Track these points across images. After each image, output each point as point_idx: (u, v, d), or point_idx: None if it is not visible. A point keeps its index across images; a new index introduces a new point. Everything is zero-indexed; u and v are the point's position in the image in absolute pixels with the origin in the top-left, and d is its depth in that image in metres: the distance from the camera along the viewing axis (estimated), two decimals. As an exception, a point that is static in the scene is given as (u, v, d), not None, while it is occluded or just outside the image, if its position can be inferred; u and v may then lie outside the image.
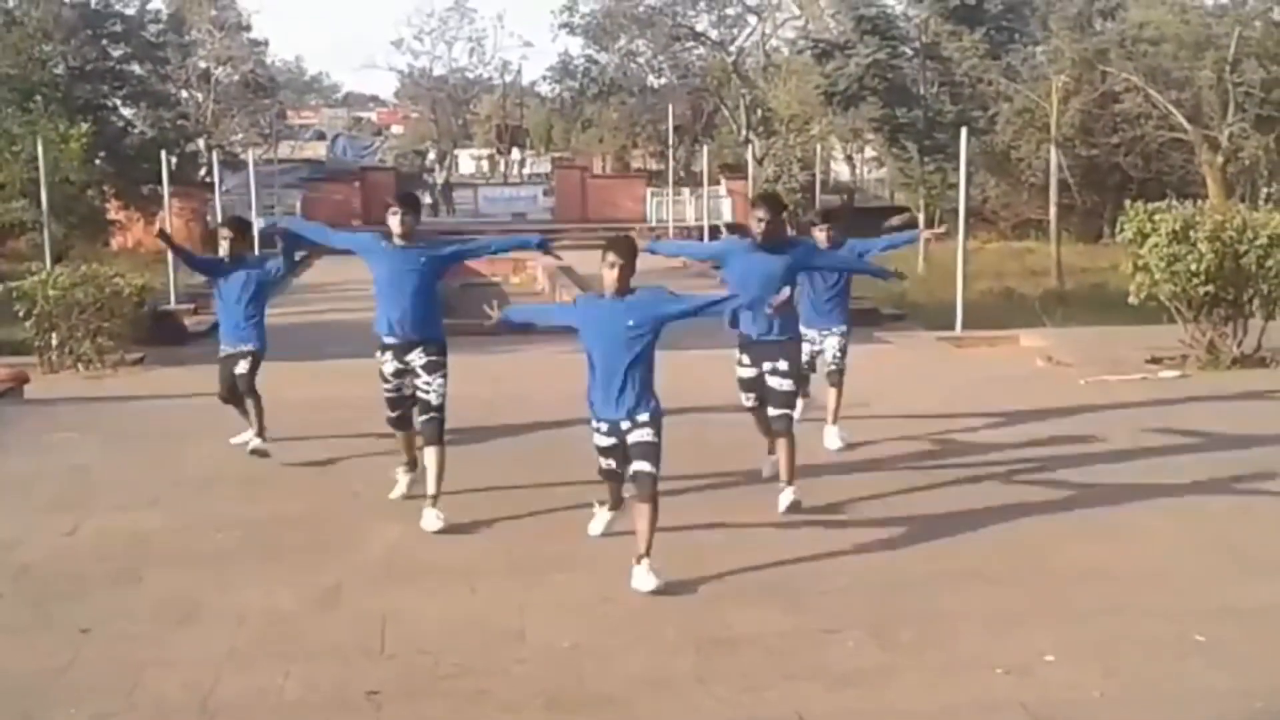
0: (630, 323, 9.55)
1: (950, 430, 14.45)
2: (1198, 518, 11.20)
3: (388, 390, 11.62)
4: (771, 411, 11.54)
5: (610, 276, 9.61)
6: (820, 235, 13.82)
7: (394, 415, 11.75)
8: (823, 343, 13.92)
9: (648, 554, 9.40)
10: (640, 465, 9.58)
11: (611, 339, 9.57)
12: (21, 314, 20.64)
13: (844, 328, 14.07)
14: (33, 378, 19.23)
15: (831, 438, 13.71)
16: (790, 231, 12.41)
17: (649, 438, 9.61)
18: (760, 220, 11.52)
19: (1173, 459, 13.15)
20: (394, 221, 11.49)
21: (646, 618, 8.97)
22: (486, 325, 10.98)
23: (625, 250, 9.65)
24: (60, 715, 7.60)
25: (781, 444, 11.37)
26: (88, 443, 14.73)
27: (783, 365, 11.50)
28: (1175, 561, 10.09)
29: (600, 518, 10.63)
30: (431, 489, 11.11)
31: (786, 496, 11.12)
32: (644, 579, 9.34)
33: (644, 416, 9.59)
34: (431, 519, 10.96)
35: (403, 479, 11.92)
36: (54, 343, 20.67)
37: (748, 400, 11.91)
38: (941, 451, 13.61)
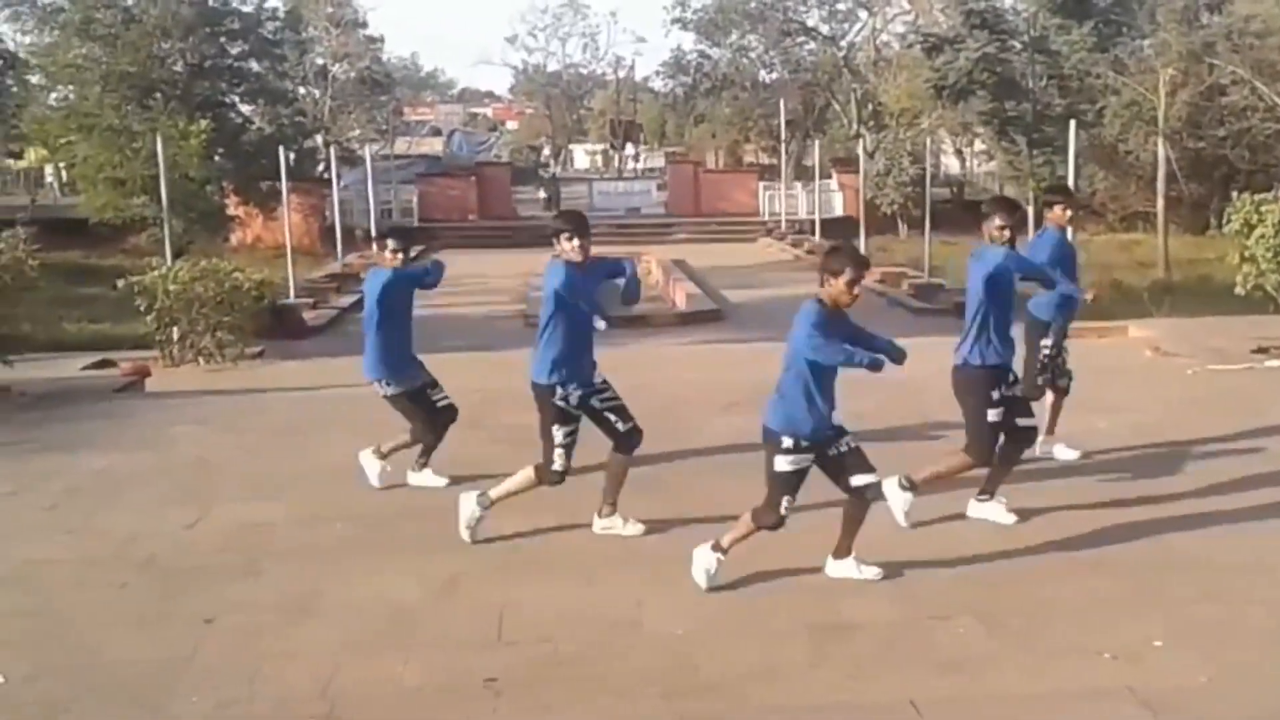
0: None
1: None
2: (1302, 507, 11.14)
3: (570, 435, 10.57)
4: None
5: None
6: (1059, 213, 13.02)
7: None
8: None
9: None
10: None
11: None
12: (143, 308, 20.98)
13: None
14: (154, 371, 19.69)
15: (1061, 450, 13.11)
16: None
17: None
18: (1001, 228, 10.56)
19: (1276, 449, 13.10)
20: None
21: (759, 607, 9.03)
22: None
23: None
24: (184, 703, 7.73)
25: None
26: (208, 435, 14.99)
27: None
28: (1278, 551, 10.05)
29: None
30: None
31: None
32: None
33: None
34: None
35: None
36: (175, 337, 21.00)
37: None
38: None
